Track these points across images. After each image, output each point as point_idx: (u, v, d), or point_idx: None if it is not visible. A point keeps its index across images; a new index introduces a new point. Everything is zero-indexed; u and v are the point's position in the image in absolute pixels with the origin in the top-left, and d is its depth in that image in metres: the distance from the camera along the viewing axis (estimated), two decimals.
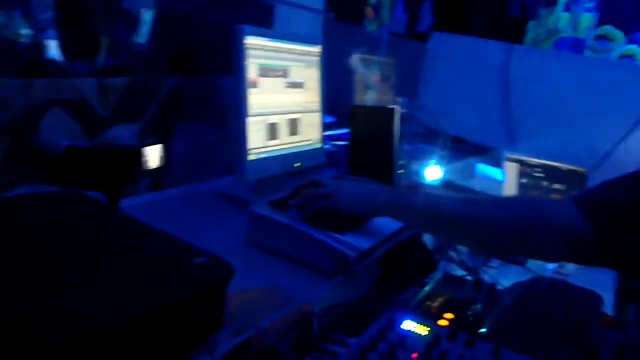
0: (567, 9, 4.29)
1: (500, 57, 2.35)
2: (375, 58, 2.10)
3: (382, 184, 1.36)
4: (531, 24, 4.23)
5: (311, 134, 1.50)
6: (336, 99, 1.85)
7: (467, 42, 2.52)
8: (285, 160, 1.40)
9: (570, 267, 1.43)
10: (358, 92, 1.96)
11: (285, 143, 1.40)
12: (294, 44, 1.41)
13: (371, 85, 2.03)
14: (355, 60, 1.95)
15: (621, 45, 4.18)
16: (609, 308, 1.24)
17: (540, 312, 1.14)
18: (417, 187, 1.65)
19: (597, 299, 1.19)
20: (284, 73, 1.37)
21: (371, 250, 1.11)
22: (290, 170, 1.43)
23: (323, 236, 1.06)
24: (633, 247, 0.80)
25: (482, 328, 1.01)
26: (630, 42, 4.11)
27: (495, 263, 1.45)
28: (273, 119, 1.34)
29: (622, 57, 4.02)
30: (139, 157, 1.15)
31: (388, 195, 1.06)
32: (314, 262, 1.07)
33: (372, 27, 2.89)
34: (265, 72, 1.31)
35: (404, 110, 1.48)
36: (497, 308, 1.17)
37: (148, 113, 1.45)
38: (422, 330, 0.87)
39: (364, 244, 1.09)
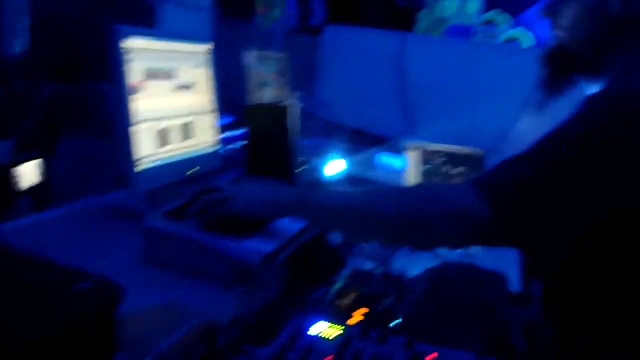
0: None
1: (394, 46, 2.37)
2: (269, 54, 2.05)
3: (282, 183, 1.33)
4: (421, 13, 4.32)
5: (206, 136, 1.43)
6: (233, 97, 1.80)
7: (360, 33, 2.53)
8: (179, 166, 1.33)
9: (476, 249, 1.45)
10: (254, 90, 1.91)
11: (178, 148, 1.33)
12: (180, 43, 1.33)
13: (267, 82, 1.98)
14: (249, 56, 1.89)
15: (507, 28, 4.35)
16: (516, 285, 1.27)
17: (450, 297, 1.15)
18: (318, 183, 1.62)
19: (502, 279, 1.21)
20: (171, 75, 1.30)
21: (275, 253, 1.07)
22: (186, 177, 1.36)
23: (222, 244, 1.01)
24: (530, 225, 0.82)
25: (394, 320, 1.00)
26: (517, 24, 4.29)
27: (404, 252, 1.45)
28: (163, 124, 1.27)
29: (508, 40, 4.19)
30: (7, 177, 1.04)
31: (288, 194, 1.02)
32: (215, 272, 1.02)
33: (264, 23, 2.84)
34: (150, 74, 1.23)
35: (300, 105, 1.45)
36: (407, 298, 1.17)
37: (23, 126, 1.33)
38: (335, 331, 0.85)
39: (266, 247, 1.04)
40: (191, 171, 1.36)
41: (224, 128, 1.70)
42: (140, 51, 1.20)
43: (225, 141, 1.70)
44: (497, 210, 0.81)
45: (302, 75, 2.36)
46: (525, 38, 4.16)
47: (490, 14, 4.38)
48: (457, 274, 1.28)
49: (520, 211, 0.81)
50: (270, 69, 2.00)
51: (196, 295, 0.98)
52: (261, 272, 1.03)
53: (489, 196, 0.82)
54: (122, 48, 1.15)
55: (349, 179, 1.77)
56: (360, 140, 2.21)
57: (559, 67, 1.02)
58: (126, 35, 1.16)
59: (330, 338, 0.83)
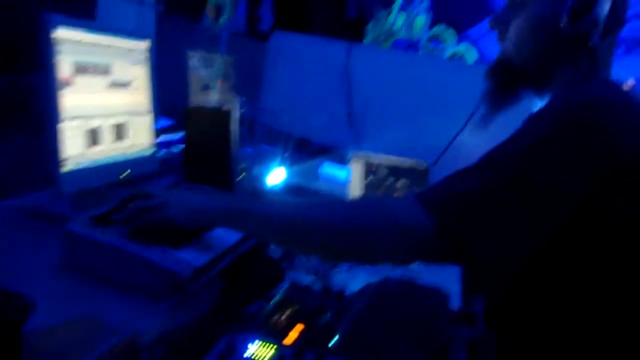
0: (402, 10, 4.47)
1: (341, 55, 2.34)
2: (214, 56, 1.98)
3: (220, 190, 1.26)
4: (370, 26, 4.35)
5: (141, 138, 1.35)
6: (174, 99, 1.72)
7: (308, 41, 2.49)
8: (110, 168, 1.24)
9: (417, 265, 1.42)
10: (196, 92, 1.83)
11: (109, 149, 1.24)
12: (117, 38, 1.25)
13: (210, 85, 1.91)
14: (193, 58, 1.82)
15: (452, 45, 4.43)
16: (458, 302, 1.25)
17: (390, 315, 1.12)
18: (258, 192, 1.56)
19: (444, 296, 1.20)
20: (105, 70, 1.22)
21: (208, 266, 1.00)
22: (117, 180, 1.27)
23: (151, 254, 0.94)
24: (474, 240, 0.81)
25: (332, 339, 0.96)
26: (462, 39, 4.37)
27: (345, 266, 1.41)
28: (94, 123, 1.18)
29: (453, 56, 4.26)
30: None
31: (226, 203, 0.97)
32: (142, 284, 0.94)
33: (211, 25, 2.77)
34: (81, 69, 1.15)
35: (242, 111, 1.39)
36: (347, 315, 1.13)
37: None
38: (268, 351, 0.82)
39: (199, 259, 0.98)
40: (123, 174, 1.28)
41: (162, 131, 1.62)
42: (72, 43, 1.12)
43: (163, 145, 1.62)
44: (441, 226, 0.80)
45: (248, 81, 2.30)
46: (470, 54, 4.24)
47: (436, 30, 4.46)
48: (398, 290, 1.26)
49: (464, 226, 0.80)
50: (214, 72, 1.93)
51: (119, 309, 0.91)
52: (192, 286, 0.96)
53: (433, 211, 0.81)
54: (52, 38, 1.06)
55: (291, 188, 1.71)
56: (305, 149, 2.17)
57: (504, 81, 1.02)
58: (56, 25, 1.08)
59: (263, 359, 0.78)
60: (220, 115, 1.39)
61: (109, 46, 1.23)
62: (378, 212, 0.86)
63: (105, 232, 0.98)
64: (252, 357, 0.80)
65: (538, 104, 1.02)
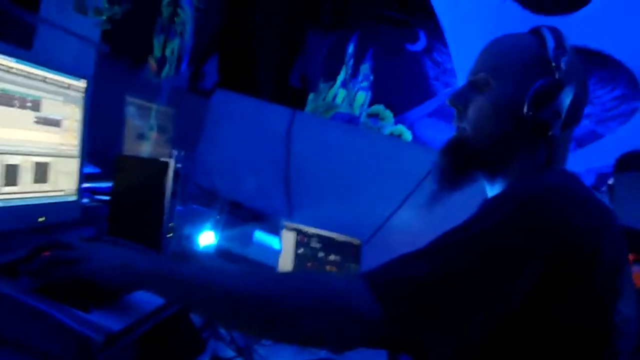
0: (344, 85, 4.56)
1: (282, 121, 2.31)
2: (153, 106, 1.90)
3: (147, 249, 1.16)
4: (311, 96, 4.40)
5: (64, 183, 1.23)
6: (103, 146, 1.61)
7: (251, 103, 2.45)
8: (25, 212, 1.12)
9: None
10: (130, 141, 1.73)
11: (27, 191, 1.12)
12: (51, 72, 1.15)
13: (146, 136, 1.81)
14: (131, 105, 1.73)
15: (390, 124, 4.53)
16: None
17: None
18: (187, 254, 1.46)
19: None
20: (33, 105, 1.11)
21: (125, 332, 0.89)
22: (33, 226, 1.14)
23: (60, 313, 0.82)
24: (423, 330, 0.75)
25: None
26: (398, 122, 4.48)
27: (268, 341, 1.32)
28: (12, 160, 1.07)
29: (391, 134, 4.35)
30: None
31: (150, 264, 0.85)
32: (46, 348, 0.82)
33: (154, 76, 2.70)
34: (5, 99, 1.04)
35: (179, 165, 1.30)
36: None
37: None
38: None
39: (115, 324, 0.86)
40: (40, 220, 1.15)
41: (90, 177, 1.50)
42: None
43: (89, 193, 1.50)
44: (391, 317, 0.75)
45: (186, 136, 2.22)
46: (406, 136, 4.34)
47: (375, 108, 4.56)
48: None
49: (416, 318, 0.75)
50: (151, 122, 1.84)
51: None
52: (104, 354, 0.84)
53: (382, 295, 0.76)
54: None
55: (222, 253, 1.62)
56: (238, 213, 2.09)
57: (458, 160, 0.99)
58: None
59: None
60: (155, 167, 1.29)
61: (41, 79, 1.13)
62: (321, 291, 0.79)
63: (7, 284, 0.86)
64: None
65: (491, 188, 1.00)
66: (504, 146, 0.95)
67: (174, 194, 1.31)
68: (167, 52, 2.86)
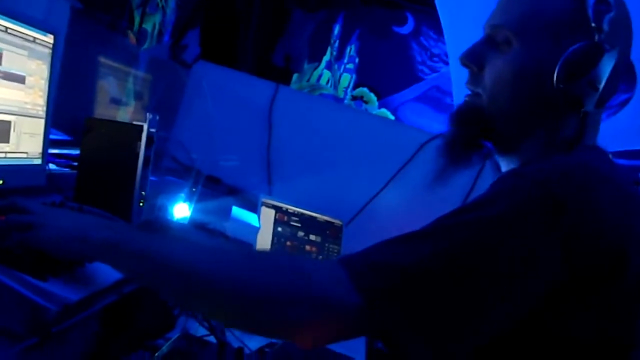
0: (329, 66, 4.50)
1: (266, 95, 2.25)
2: (130, 70, 1.80)
3: (113, 217, 1.07)
4: (295, 77, 4.33)
5: (29, 145, 1.15)
6: (74, 111, 1.53)
7: (233, 76, 2.38)
8: None
9: None
10: (102, 105, 1.64)
11: None
12: (14, 23, 1.06)
13: (121, 101, 1.73)
14: (105, 67, 1.64)
15: (374, 107, 4.50)
16: None
17: None
18: (159, 224, 1.38)
19: None
20: None
21: (83, 303, 0.82)
22: None
23: (12, 281, 0.75)
24: (403, 322, 0.64)
25: None
26: (382, 105, 4.45)
27: None
28: None
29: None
30: None
31: (109, 232, 0.76)
32: None
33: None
34: None
35: (152, 130, 1.22)
36: None
37: None
38: None
39: (72, 294, 0.79)
40: None
41: (59, 144, 1.42)
42: None
43: (55, 158, 1.42)
44: (370, 305, 0.64)
45: (164, 106, 2.14)
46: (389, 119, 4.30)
47: (360, 91, 4.52)
48: (302, 355, 1.14)
49: (394, 304, 0.64)
50: (128, 87, 1.75)
51: None
52: (59, 326, 0.77)
53: (362, 285, 0.65)
54: None
55: (198, 227, 1.55)
56: (215, 187, 2.03)
57: (470, 132, 0.85)
58: None
59: None
60: (127, 131, 1.22)
61: (4, 30, 1.04)
62: (294, 276, 0.68)
63: None
64: None
65: (506, 165, 0.86)
66: (525, 121, 0.81)
67: (147, 160, 1.24)
68: (148, 26, 2.77)
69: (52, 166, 1.35)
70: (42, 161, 1.20)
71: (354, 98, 4.58)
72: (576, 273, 0.65)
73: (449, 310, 0.65)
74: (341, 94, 4.58)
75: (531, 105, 0.79)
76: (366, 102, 4.54)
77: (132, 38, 2.62)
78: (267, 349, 1.15)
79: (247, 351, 1.13)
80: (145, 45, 2.62)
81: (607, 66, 0.73)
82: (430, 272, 0.65)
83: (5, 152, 1.09)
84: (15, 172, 1.11)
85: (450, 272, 0.64)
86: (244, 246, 1.64)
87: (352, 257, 0.69)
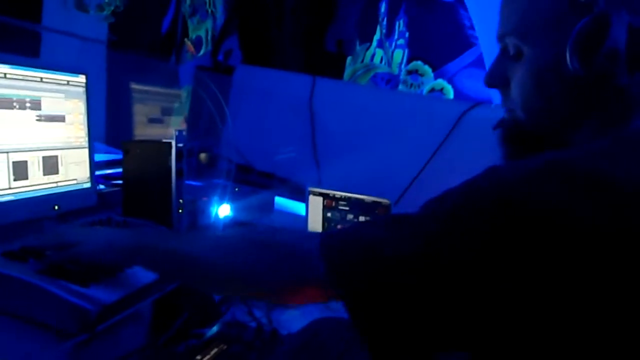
0: (380, 45, 4.52)
1: (305, 89, 2.35)
2: (167, 90, 1.98)
3: (157, 225, 1.26)
4: (349, 60, 4.39)
5: (76, 172, 1.33)
6: (121, 133, 1.71)
7: (272, 75, 2.51)
8: (38, 202, 1.22)
9: None
10: (146, 125, 1.82)
11: (38, 183, 1.22)
12: (47, 72, 1.24)
13: (159, 119, 1.90)
14: (141, 92, 1.81)
15: (430, 79, 4.47)
16: None
17: (320, 356, 1.07)
18: (203, 227, 1.54)
19: None
20: (33, 105, 1.20)
21: (122, 303, 0.97)
22: (48, 214, 1.25)
23: (59, 289, 0.91)
24: (361, 293, 0.64)
25: None
26: (437, 76, 4.42)
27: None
28: (18, 157, 1.17)
29: (432, 90, 4.30)
30: None
31: (132, 239, 0.92)
32: (49, 320, 0.92)
33: (180, 59, 2.78)
34: (4, 103, 1.13)
35: (180, 145, 1.38)
36: (275, 356, 1.10)
37: None
38: None
39: (110, 296, 0.95)
40: (55, 208, 1.26)
41: (104, 165, 1.61)
42: None
43: (103, 179, 1.61)
44: (330, 274, 0.66)
45: (211, 115, 2.29)
46: (447, 90, 4.28)
47: (414, 65, 4.50)
48: (331, 331, 1.20)
49: (357, 284, 0.64)
50: (166, 105, 1.92)
51: (25, 346, 0.89)
52: (105, 324, 0.94)
53: (326, 253, 0.68)
54: None
55: (240, 224, 1.69)
56: (265, 182, 2.15)
57: (520, 151, 0.80)
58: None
59: None
60: (158, 148, 1.38)
61: (39, 80, 1.22)
62: (273, 242, 0.77)
63: (16, 267, 0.96)
64: None
65: None
66: (565, 118, 0.76)
67: (179, 171, 1.39)
68: (202, 33, 2.94)
69: (101, 186, 1.54)
70: (91, 184, 1.38)
71: (408, 72, 4.55)
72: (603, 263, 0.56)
73: (397, 295, 0.62)
74: (395, 71, 4.56)
75: (564, 101, 0.75)
76: (422, 75, 4.51)
77: (190, 47, 2.81)
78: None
79: (283, 332, 1.25)
80: (202, 51, 2.79)
81: (619, 31, 0.68)
82: (388, 253, 0.63)
83: (57, 182, 1.27)
84: (67, 197, 1.30)
85: (406, 257, 0.62)
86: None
87: (330, 231, 0.74)
